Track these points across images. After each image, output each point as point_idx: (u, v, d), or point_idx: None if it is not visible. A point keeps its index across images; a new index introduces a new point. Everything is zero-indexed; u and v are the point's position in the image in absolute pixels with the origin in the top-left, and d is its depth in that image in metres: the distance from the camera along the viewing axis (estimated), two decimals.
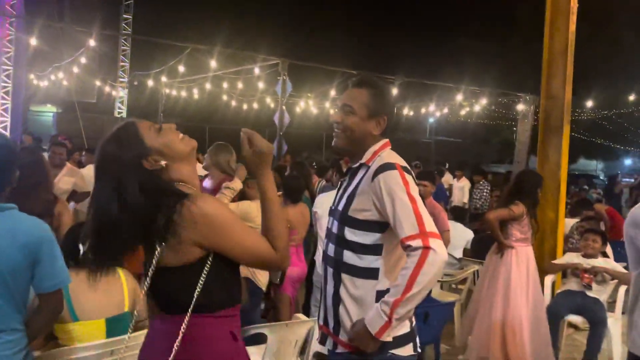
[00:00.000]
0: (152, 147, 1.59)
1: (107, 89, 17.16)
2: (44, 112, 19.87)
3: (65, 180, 5.52)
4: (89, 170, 6.68)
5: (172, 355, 1.53)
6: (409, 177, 1.92)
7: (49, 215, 2.81)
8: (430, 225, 1.83)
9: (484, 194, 9.81)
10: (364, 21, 25.03)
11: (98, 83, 16.30)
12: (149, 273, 1.55)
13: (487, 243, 4.76)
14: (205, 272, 1.53)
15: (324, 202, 4.60)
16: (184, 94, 15.34)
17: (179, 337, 1.53)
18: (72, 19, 16.55)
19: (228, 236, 1.53)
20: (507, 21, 23.53)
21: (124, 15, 17.56)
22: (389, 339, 1.87)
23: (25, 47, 15.60)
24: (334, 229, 2.05)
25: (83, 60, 11.63)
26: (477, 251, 5.73)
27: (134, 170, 1.53)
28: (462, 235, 6.18)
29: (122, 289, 2.64)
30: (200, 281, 1.53)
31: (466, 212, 8.27)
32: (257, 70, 10.61)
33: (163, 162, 1.59)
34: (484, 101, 14.78)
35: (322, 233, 4.55)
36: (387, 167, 1.92)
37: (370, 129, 2.03)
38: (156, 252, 1.52)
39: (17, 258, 1.95)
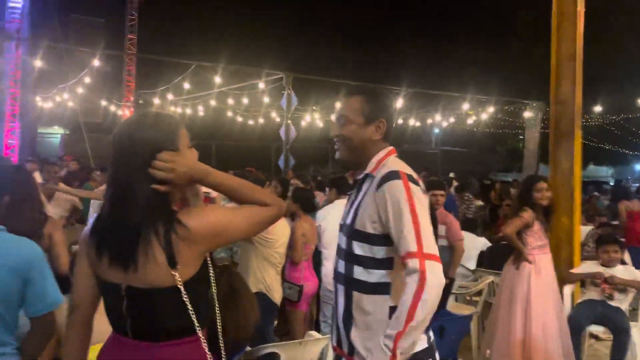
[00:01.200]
0: (178, 148, 1.57)
1: (112, 108, 17.26)
2: (51, 133, 20.00)
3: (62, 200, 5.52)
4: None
5: None
6: (414, 188, 1.84)
7: (37, 236, 2.69)
8: (429, 245, 1.75)
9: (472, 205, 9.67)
10: (368, 32, 25.14)
11: (104, 103, 16.40)
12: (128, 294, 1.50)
13: (502, 253, 4.65)
14: (199, 287, 1.54)
15: (327, 214, 4.54)
16: (189, 111, 15.40)
17: None
18: (77, 40, 16.71)
19: (232, 228, 1.55)
20: (509, 29, 23.55)
21: (128, 36, 17.71)
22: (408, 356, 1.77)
23: (30, 70, 15.76)
24: (343, 245, 1.98)
25: (87, 80, 11.69)
26: (492, 261, 5.60)
27: (154, 156, 1.51)
28: (474, 245, 6.07)
29: None
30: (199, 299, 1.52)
31: (477, 223, 8.16)
32: (261, 85, 10.63)
33: None
34: (490, 109, 14.71)
35: (326, 247, 4.48)
36: (391, 176, 1.85)
37: (370, 135, 1.98)
38: (177, 276, 1.48)
39: (6, 280, 1.90)
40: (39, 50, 11.61)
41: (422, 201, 1.84)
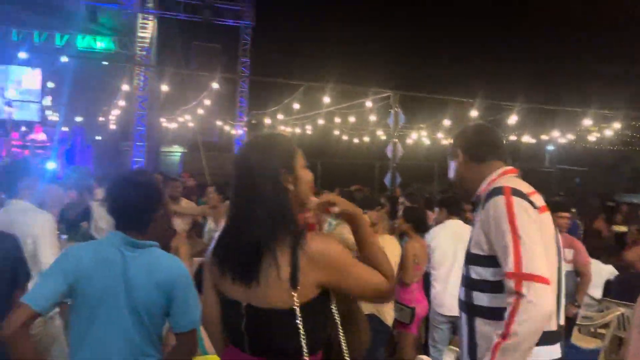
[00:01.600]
0: (295, 169, 1.62)
1: (227, 128, 18.30)
2: (172, 152, 21.62)
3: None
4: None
5: None
6: (519, 202, 1.74)
7: (166, 249, 2.86)
8: (532, 265, 1.64)
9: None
10: (479, 47, 24.32)
11: (219, 123, 17.46)
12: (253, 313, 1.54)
13: (634, 283, 4.24)
14: (316, 312, 1.54)
15: (437, 235, 4.41)
16: (298, 130, 15.91)
17: None
18: (197, 66, 17.98)
19: (349, 273, 1.54)
20: (635, 37, 21.61)
21: (242, 59, 18.77)
22: None
23: (156, 94, 17.23)
24: (463, 271, 1.94)
25: (207, 102, 12.53)
26: (621, 292, 5.10)
27: (273, 177, 1.58)
28: (599, 272, 5.58)
29: None
30: (316, 321, 1.54)
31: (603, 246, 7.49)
32: (368, 104, 10.71)
33: (291, 187, 1.61)
34: (616, 125, 13.50)
35: (435, 268, 4.35)
36: (494, 192, 1.79)
37: (458, 165, 2.07)
38: (295, 297, 1.51)
39: (152, 295, 2.00)
40: (165, 75, 12.66)
41: (530, 217, 1.73)
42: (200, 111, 13.36)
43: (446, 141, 15.28)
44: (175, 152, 21.15)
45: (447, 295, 4.12)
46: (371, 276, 1.58)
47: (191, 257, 3.65)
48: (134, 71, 17.67)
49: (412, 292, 4.24)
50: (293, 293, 1.50)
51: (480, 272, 1.82)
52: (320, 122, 13.87)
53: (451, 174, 2.08)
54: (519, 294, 1.61)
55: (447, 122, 12.58)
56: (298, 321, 1.51)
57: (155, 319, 2.05)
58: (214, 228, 5.72)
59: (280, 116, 13.89)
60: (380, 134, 15.99)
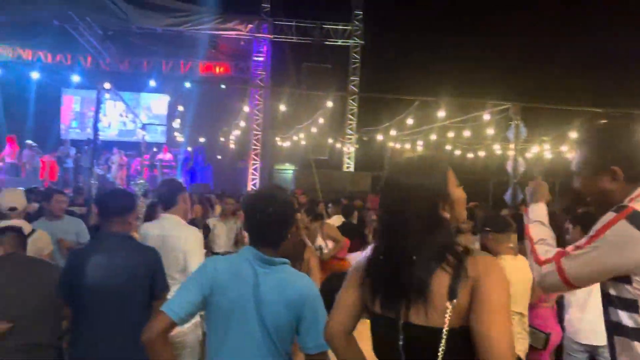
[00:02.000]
0: (449, 195, 1.58)
1: (337, 145, 18.57)
2: (284, 169, 22.39)
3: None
4: (335, 220, 7.19)
5: None
6: (620, 229, 1.61)
7: (299, 261, 2.89)
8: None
9: None
10: (611, 50, 22.25)
11: (330, 141, 17.76)
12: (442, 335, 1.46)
13: None
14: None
15: None
16: (407, 146, 15.71)
17: None
18: (309, 86, 18.54)
19: (493, 316, 1.42)
20: None
21: (352, 78, 18.99)
22: None
23: (270, 114, 18.00)
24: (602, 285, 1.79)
25: (321, 121, 12.81)
26: None
27: (428, 205, 1.54)
28: None
29: None
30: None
31: None
32: (486, 117, 10.28)
33: (447, 215, 1.57)
34: None
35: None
36: (615, 209, 1.66)
37: (604, 186, 1.77)
38: (447, 311, 1.46)
39: (280, 313, 2.00)
40: (278, 96, 13.17)
41: (617, 244, 1.61)
42: (314, 129, 13.67)
43: (571, 155, 14.16)
44: (288, 169, 21.85)
45: (584, 321, 3.76)
46: (506, 339, 1.41)
47: (319, 269, 3.67)
48: (249, 93, 18.62)
49: (545, 317, 3.92)
50: (451, 312, 1.45)
51: (615, 287, 1.70)
52: (432, 137, 13.56)
53: (588, 189, 1.85)
54: None
55: (573, 135, 11.67)
56: (456, 341, 1.46)
57: (283, 336, 2.05)
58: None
59: (393, 132, 13.79)
60: (497, 148, 15.27)
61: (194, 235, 3.45)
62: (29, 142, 15.86)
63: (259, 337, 2.02)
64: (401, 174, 1.61)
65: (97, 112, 10.50)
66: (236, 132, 16.83)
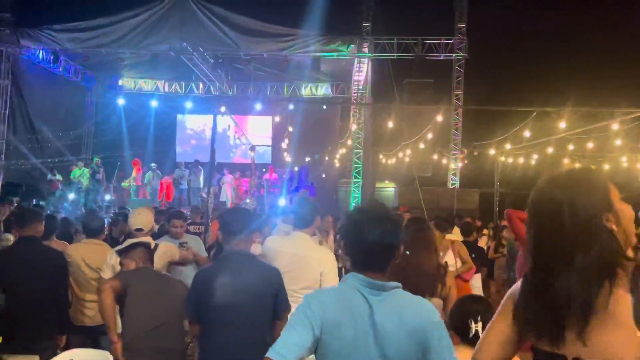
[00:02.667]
0: (613, 207, 1.46)
1: (443, 161, 18.02)
2: (384, 187, 22.16)
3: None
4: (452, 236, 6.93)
5: None
6: None
7: (440, 284, 2.67)
8: None
9: None
10: None
11: (435, 157, 17.27)
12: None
13: None
14: None
15: None
16: (521, 160, 14.83)
17: None
18: (410, 101, 18.26)
19: None
20: None
21: (455, 91, 18.37)
22: None
23: (371, 131, 17.94)
24: None
25: (430, 135, 12.50)
26: None
27: (592, 218, 1.43)
28: None
29: None
30: None
31: None
32: (615, 127, 9.39)
33: (615, 227, 1.45)
34: None
35: None
36: None
37: None
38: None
39: (404, 345, 1.77)
40: (381, 113, 13.05)
41: None
42: (421, 145, 13.34)
43: None
44: (388, 187, 21.57)
45: None
46: None
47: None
48: (350, 112, 18.73)
49: None
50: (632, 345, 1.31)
51: None
52: (549, 150, 12.66)
53: None
54: None
55: None
56: None
57: None
58: None
59: (508, 146, 13.08)
60: (625, 160, 13.90)
61: (330, 256, 3.47)
62: (153, 165, 17.20)
63: None
64: (559, 188, 1.51)
65: (213, 134, 10.97)
66: (341, 151, 16.93)
